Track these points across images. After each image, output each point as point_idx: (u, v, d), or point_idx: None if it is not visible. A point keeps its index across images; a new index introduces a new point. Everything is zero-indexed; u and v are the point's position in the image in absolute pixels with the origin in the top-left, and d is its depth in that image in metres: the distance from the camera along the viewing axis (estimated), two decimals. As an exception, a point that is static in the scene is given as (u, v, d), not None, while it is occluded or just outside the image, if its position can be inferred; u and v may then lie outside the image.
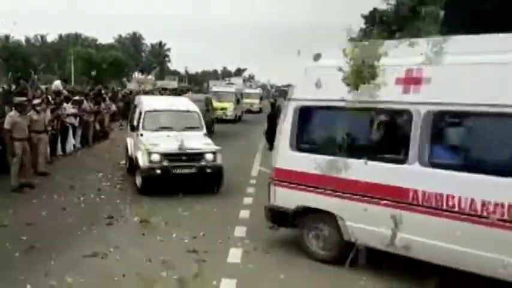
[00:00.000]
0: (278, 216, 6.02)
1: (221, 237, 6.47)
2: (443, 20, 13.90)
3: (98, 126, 16.09)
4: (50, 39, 77.66)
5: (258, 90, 43.36)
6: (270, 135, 16.22)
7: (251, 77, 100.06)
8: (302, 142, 5.78)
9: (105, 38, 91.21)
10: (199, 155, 9.00)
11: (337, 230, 5.41)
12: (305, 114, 5.76)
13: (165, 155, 8.78)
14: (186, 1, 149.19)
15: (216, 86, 32.63)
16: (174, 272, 5.20)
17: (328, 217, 5.47)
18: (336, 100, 5.33)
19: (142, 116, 9.77)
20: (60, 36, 77.99)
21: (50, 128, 11.75)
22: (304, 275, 5.30)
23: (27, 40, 74.31)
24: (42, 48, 71.42)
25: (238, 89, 31.23)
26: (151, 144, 8.92)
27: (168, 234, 6.54)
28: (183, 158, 8.88)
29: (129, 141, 10.68)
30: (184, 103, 11.18)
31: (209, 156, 9.03)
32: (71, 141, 13.45)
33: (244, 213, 7.75)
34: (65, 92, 14.40)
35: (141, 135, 9.45)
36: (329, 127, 5.69)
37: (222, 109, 24.96)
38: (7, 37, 64.64)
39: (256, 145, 16.54)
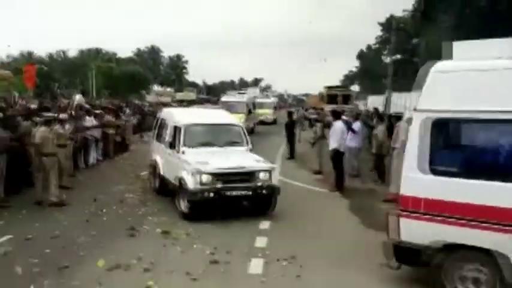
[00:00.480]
0: (406, 254, 4.99)
1: (242, 248, 6.47)
2: (456, 25, 13.79)
3: (119, 139, 16.33)
4: (71, 54, 79.47)
5: (272, 99, 40.73)
6: (291, 145, 16.37)
7: (268, 87, 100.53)
8: (439, 163, 4.77)
9: (125, 51, 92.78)
10: (253, 174, 8.03)
11: (497, 270, 4.50)
12: (441, 129, 4.82)
13: (218, 175, 7.77)
14: (202, 13, 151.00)
15: (226, 96, 29.88)
16: (197, 284, 5.22)
17: (483, 254, 4.57)
18: (488, 112, 4.44)
19: (181, 132, 8.69)
20: (81, 51, 79.62)
21: (71, 142, 12.00)
22: (326, 285, 5.25)
23: (50, 56, 76.12)
24: (63, 64, 72.94)
25: (250, 99, 29.38)
26: (199, 163, 7.86)
27: (189, 246, 6.57)
28: (237, 178, 7.95)
29: (159, 159, 9.69)
30: (224, 116, 10.47)
31: (264, 175, 8.08)
32: (93, 154, 13.68)
33: (264, 224, 7.75)
34: (87, 106, 14.65)
35: (183, 152, 8.44)
36: (478, 144, 4.92)
37: None
38: (30, 53, 66.44)
39: (273, 156, 16.52)
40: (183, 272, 5.53)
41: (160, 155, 9.65)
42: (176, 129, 8.96)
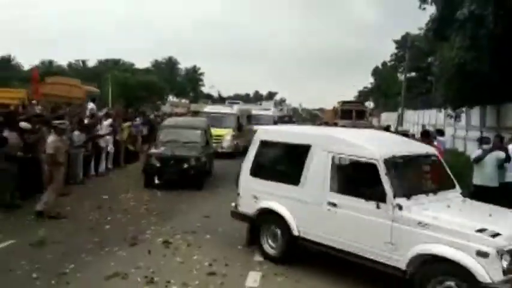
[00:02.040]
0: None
1: (241, 260, 6.49)
2: (469, 45, 13.69)
3: (130, 147, 16.52)
4: (90, 64, 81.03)
5: (271, 111, 31.10)
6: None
7: (283, 100, 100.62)
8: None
9: (143, 63, 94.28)
10: None
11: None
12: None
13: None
14: (220, 26, 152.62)
15: (211, 106, 25.29)
16: (192, 294, 5.25)
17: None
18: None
19: (382, 171, 5.39)
20: (100, 61, 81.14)
21: (83, 150, 12.23)
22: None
23: (69, 65, 77.72)
24: (82, 73, 74.39)
25: (243, 110, 23.24)
26: (482, 233, 4.70)
27: (189, 257, 6.60)
28: None
29: (292, 210, 6.26)
30: (410, 143, 7.35)
31: None
32: (104, 162, 13.86)
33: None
34: (99, 114, 14.89)
35: (400, 208, 5.17)
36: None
37: (216, 138, 17.09)
38: (50, 62, 67.89)
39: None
40: (180, 282, 5.57)
41: (294, 205, 6.19)
42: (360, 166, 5.76)
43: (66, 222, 8.17)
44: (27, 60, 74.66)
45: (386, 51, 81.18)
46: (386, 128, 13.10)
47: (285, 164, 6.97)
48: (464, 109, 18.30)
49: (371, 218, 5.34)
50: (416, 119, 32.64)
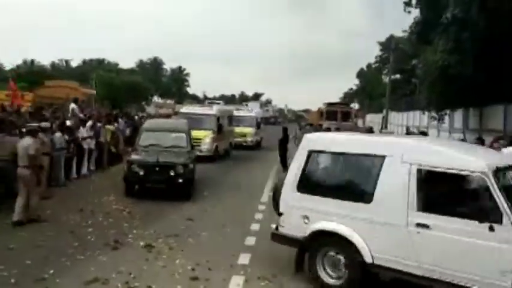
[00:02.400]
0: None
1: (224, 264, 6.42)
2: (452, 48, 13.85)
3: (113, 149, 16.31)
4: (74, 64, 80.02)
5: (253, 113, 29.07)
6: (283, 160, 16.40)
7: (268, 101, 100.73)
8: None
9: (128, 63, 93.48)
10: None
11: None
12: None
13: None
14: (206, 27, 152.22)
15: (188, 106, 22.95)
16: (174, 300, 5.17)
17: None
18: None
19: (494, 189, 4.58)
20: (84, 61, 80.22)
21: (65, 152, 12.02)
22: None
23: (52, 64, 76.60)
24: (66, 73, 73.40)
25: (224, 111, 21.52)
26: None
27: (171, 261, 6.51)
28: None
29: (361, 233, 5.36)
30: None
31: None
32: (86, 164, 13.65)
33: (250, 240, 7.71)
34: (81, 115, 14.67)
35: None
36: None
37: (194, 140, 15.33)
38: (32, 61, 66.83)
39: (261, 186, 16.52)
40: (162, 287, 5.48)
41: (365, 226, 5.31)
42: (458, 180, 5.02)
43: (46, 226, 8.00)
44: (9, 60, 73.82)
45: (371, 53, 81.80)
46: (369, 130, 13.13)
47: (347, 178, 5.83)
48: (447, 111, 18.53)
49: (480, 241, 4.51)
50: (401, 120, 32.96)
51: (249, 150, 23.50)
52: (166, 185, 10.80)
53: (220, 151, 18.71)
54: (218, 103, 27.90)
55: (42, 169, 9.11)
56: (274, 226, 6.32)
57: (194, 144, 15.24)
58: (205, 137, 17.66)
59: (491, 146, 10.36)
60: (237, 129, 23.76)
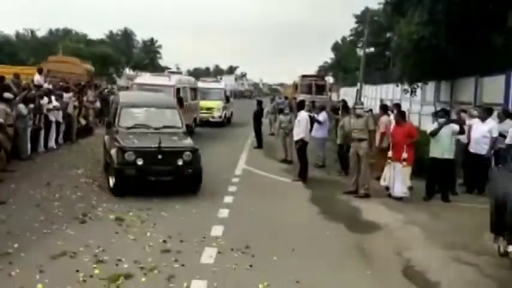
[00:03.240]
0: None
1: (197, 237, 6.30)
2: (427, 20, 13.85)
3: (83, 122, 15.85)
4: (40, 34, 76.90)
5: (221, 84, 26.49)
6: (258, 134, 16.26)
7: (243, 75, 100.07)
8: None
9: (96, 34, 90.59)
10: None
11: None
12: None
13: None
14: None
15: (143, 77, 19.50)
16: (144, 273, 5.04)
17: None
18: None
19: None
20: (51, 31, 77.13)
21: (31, 123, 11.55)
22: (277, 274, 5.16)
23: (17, 35, 73.41)
24: (31, 43, 70.54)
25: (184, 81, 18.83)
26: None
27: (142, 234, 6.36)
28: None
29: None
30: None
31: None
32: (53, 137, 13.19)
33: (223, 212, 7.62)
34: (46, 86, 14.08)
35: None
36: None
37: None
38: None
39: (240, 148, 16.42)
40: (131, 260, 5.33)
41: None
42: None
43: (11, 200, 7.67)
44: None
45: (346, 26, 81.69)
46: (344, 104, 13.14)
47: None
48: (419, 84, 18.68)
49: None
50: (375, 93, 33.19)
51: (216, 128, 21.48)
52: (174, 177, 8.62)
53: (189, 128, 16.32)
54: (179, 73, 24.20)
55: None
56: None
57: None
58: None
59: (458, 116, 10.53)
60: (202, 103, 21.29)
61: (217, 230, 6.62)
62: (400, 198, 8.97)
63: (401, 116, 9.75)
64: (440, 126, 8.93)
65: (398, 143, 9.01)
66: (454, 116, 10.75)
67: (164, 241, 6.07)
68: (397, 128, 9.39)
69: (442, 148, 8.93)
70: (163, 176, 8.52)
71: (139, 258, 5.41)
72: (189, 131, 16.28)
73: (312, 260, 5.72)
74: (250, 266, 5.41)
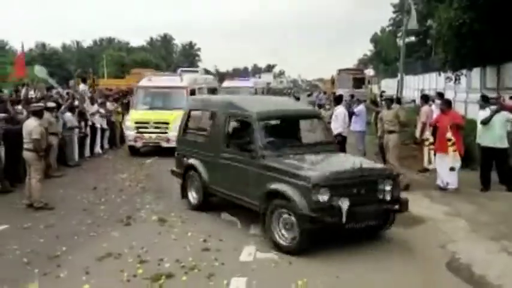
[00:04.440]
0: None
1: (237, 235, 6.38)
2: (467, 5, 13.28)
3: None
4: (85, 44, 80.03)
5: (250, 83, 23.10)
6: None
7: (281, 73, 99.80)
8: None
9: (138, 41, 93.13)
10: None
11: None
12: None
13: None
14: (217, 2, 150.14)
15: (150, 79, 14.88)
16: (185, 272, 5.16)
17: None
18: None
19: None
20: (95, 42, 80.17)
21: (78, 131, 12.05)
22: (316, 270, 5.13)
23: (64, 46, 76.80)
24: (77, 54, 73.53)
25: (200, 81, 16.06)
26: None
27: (183, 234, 6.49)
28: None
29: None
30: None
31: None
32: (99, 143, 13.70)
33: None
34: (89, 94, 14.63)
35: None
36: None
37: (156, 125, 13.05)
38: (43, 45, 67.02)
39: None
40: (173, 259, 5.47)
41: None
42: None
43: (60, 205, 8.04)
44: (22, 44, 74.49)
45: (385, 16, 79.76)
46: (380, 95, 12.93)
47: None
48: (464, 71, 17.96)
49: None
50: (416, 84, 32.19)
51: None
52: (381, 220, 6.09)
53: None
54: (195, 71, 19.68)
55: (50, 148, 9.17)
56: None
57: (156, 130, 12.86)
58: (173, 121, 12.05)
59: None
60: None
61: (255, 229, 6.64)
62: (445, 189, 8.68)
63: (446, 104, 9.37)
64: (493, 114, 8.56)
65: (444, 132, 8.62)
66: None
67: (204, 240, 6.17)
68: (443, 117, 8.99)
69: (493, 137, 8.55)
70: (370, 220, 5.88)
71: (180, 257, 5.53)
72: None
73: (352, 255, 5.64)
74: (290, 263, 5.42)
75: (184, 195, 7.89)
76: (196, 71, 20.52)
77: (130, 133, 13.34)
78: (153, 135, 13.08)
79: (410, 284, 4.98)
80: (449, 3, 14.68)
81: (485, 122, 8.59)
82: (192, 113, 8.30)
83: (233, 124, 7.19)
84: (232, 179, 6.78)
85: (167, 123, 12.83)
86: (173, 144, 10.27)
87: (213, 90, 16.74)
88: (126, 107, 15.85)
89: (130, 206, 7.97)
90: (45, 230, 6.68)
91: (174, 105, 12.93)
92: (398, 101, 14.73)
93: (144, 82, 14.71)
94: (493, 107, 8.69)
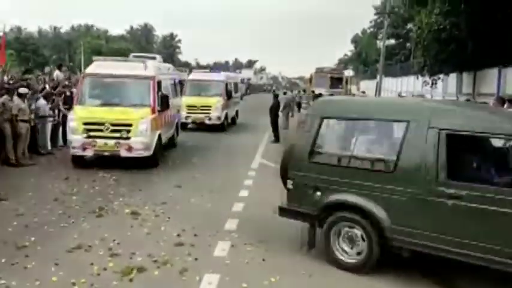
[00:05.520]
0: None
1: (211, 230, 6.32)
2: (447, 11, 13.56)
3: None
4: (62, 30, 78.22)
5: (221, 76, 19.79)
6: (274, 128, 16.19)
7: (262, 69, 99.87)
8: None
9: (117, 29, 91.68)
10: None
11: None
12: None
13: None
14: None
15: (105, 64, 11.32)
16: (157, 266, 5.08)
17: None
18: None
19: None
20: (73, 28, 78.43)
21: (51, 118, 11.75)
22: (289, 269, 5.13)
23: (40, 31, 74.88)
24: (54, 40, 71.80)
25: (164, 72, 12.59)
26: None
27: (156, 228, 6.40)
28: None
29: None
30: None
31: None
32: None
33: (237, 206, 7.59)
34: (66, 82, 14.28)
35: None
36: None
37: (116, 126, 9.94)
38: (19, 29, 65.22)
39: (256, 143, 16.37)
40: (145, 254, 5.38)
41: None
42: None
43: (30, 194, 7.83)
44: (3, 27, 72.44)
45: (366, 18, 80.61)
46: (363, 93, 13.00)
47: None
48: (441, 76, 18.31)
49: None
50: (395, 86, 32.67)
51: (213, 133, 17.02)
52: None
53: (163, 140, 11.29)
54: (152, 57, 15.67)
55: (20, 136, 8.93)
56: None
57: (116, 135, 9.79)
58: (138, 123, 9.89)
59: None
60: (193, 100, 17.38)
61: (231, 224, 6.61)
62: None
63: None
64: None
65: None
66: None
67: (178, 235, 6.09)
68: None
69: None
70: None
71: (153, 251, 5.45)
72: (171, 143, 12.57)
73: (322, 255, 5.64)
74: (263, 260, 5.39)
75: (312, 244, 5.56)
76: (154, 58, 15.49)
77: (75, 138, 9.85)
78: (110, 142, 9.80)
79: None
80: (431, 9, 14.91)
81: None
82: (330, 122, 5.62)
83: (456, 144, 4.66)
84: (471, 228, 4.42)
85: (129, 125, 9.85)
86: (136, 153, 9.75)
87: (179, 84, 14.89)
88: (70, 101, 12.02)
89: (103, 198, 7.82)
90: (15, 219, 6.49)
91: (135, 101, 10.38)
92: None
93: (93, 68, 10.96)
94: None
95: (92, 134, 9.86)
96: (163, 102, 10.86)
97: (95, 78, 10.84)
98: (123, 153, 9.89)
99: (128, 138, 9.87)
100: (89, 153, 10.00)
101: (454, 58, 15.20)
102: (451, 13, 14.21)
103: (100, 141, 9.84)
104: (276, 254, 5.55)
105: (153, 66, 11.37)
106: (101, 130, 9.86)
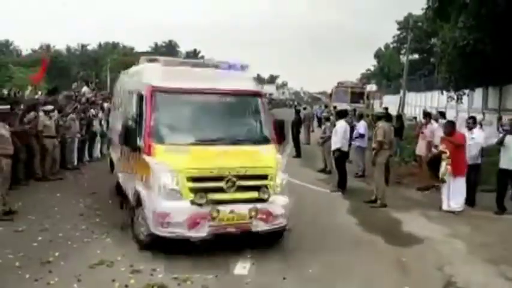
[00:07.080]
0: None
1: (231, 248, 6.30)
2: (472, 25, 13.39)
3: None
4: (90, 48, 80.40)
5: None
6: (296, 143, 16.18)
7: (284, 84, 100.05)
8: None
9: (142, 46, 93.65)
10: None
11: None
12: None
13: None
14: (222, 10, 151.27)
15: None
16: (177, 283, 5.10)
17: None
18: None
19: None
20: (100, 45, 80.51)
21: (79, 135, 12.03)
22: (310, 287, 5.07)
23: (68, 49, 77.12)
24: (81, 57, 73.80)
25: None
26: None
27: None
28: None
29: None
30: None
31: None
32: (98, 147, 13.67)
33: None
34: (92, 98, 14.64)
35: None
36: None
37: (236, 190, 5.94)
38: (48, 46, 67.33)
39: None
40: (166, 270, 5.40)
41: None
42: None
43: (56, 209, 7.98)
44: (25, 45, 74.66)
45: (389, 33, 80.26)
46: (385, 111, 12.92)
47: None
48: (466, 91, 18.00)
49: None
50: (419, 101, 32.25)
51: None
52: None
53: None
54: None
55: (46, 152, 9.17)
56: None
57: (245, 197, 5.92)
58: (276, 167, 6.53)
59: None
60: None
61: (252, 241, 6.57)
62: (453, 212, 8.60)
63: (452, 125, 9.15)
64: (505, 135, 8.57)
65: (456, 155, 8.49)
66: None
67: (198, 252, 6.06)
68: (446, 141, 8.78)
69: (509, 158, 8.43)
70: None
71: (173, 268, 5.47)
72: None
73: (348, 273, 5.59)
74: (284, 278, 5.35)
75: None
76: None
77: (175, 206, 5.73)
78: (242, 208, 5.89)
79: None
80: (454, 23, 14.75)
81: (499, 143, 8.60)
82: None
83: None
84: None
85: (265, 177, 6.20)
86: (275, 224, 6.04)
87: None
88: None
89: (127, 213, 7.89)
90: (40, 234, 6.61)
91: (249, 135, 6.65)
92: (399, 118, 14.70)
93: (162, 79, 6.43)
94: (506, 128, 8.69)
95: (210, 196, 5.76)
96: (282, 134, 7.11)
97: (172, 96, 6.34)
98: (259, 226, 5.98)
99: (265, 200, 6.06)
100: (202, 232, 5.77)
101: (479, 73, 14.94)
102: (476, 27, 14.02)
103: (224, 210, 5.82)
104: (298, 272, 5.51)
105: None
106: (222, 189, 5.87)
